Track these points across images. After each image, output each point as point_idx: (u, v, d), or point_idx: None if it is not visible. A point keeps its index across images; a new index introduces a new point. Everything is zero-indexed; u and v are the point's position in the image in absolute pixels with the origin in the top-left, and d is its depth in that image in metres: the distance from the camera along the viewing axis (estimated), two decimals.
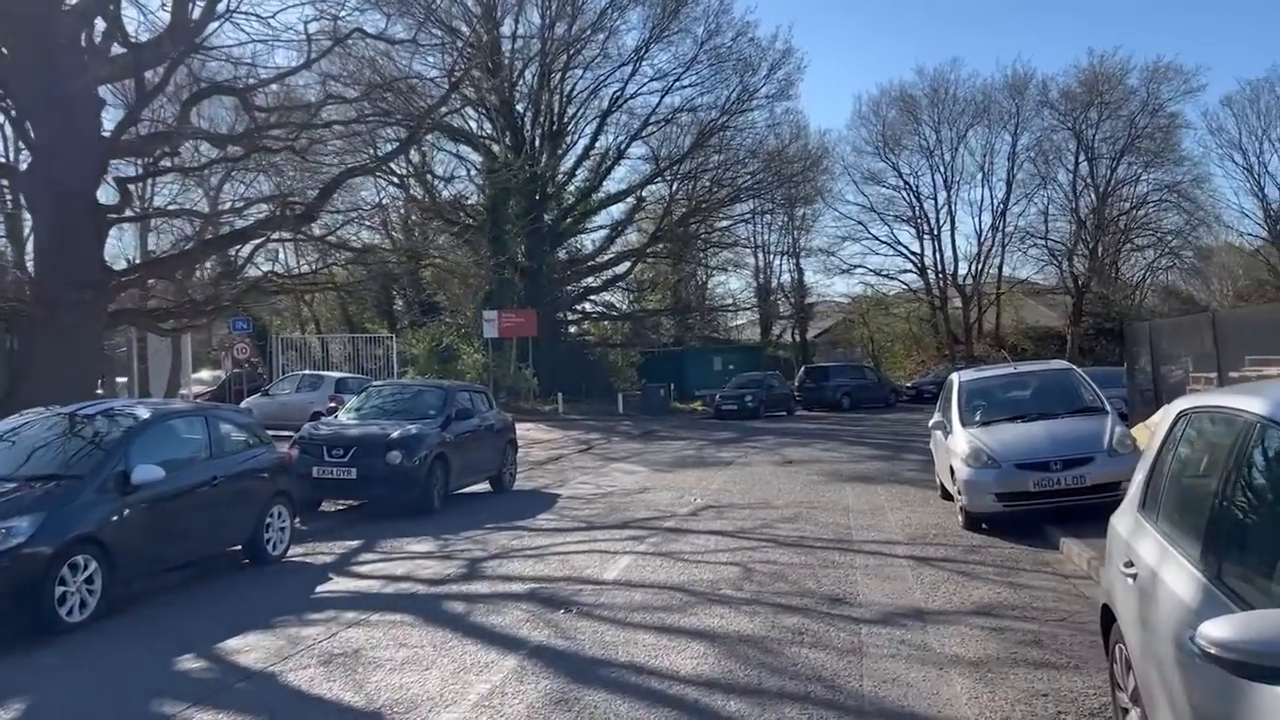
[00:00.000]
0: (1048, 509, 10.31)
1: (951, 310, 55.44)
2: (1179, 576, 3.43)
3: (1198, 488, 3.73)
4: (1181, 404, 4.30)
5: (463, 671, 6.09)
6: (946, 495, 12.70)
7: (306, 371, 29.55)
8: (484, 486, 15.58)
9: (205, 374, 40.53)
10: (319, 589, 8.92)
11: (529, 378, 36.67)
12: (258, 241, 19.62)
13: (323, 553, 10.66)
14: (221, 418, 10.17)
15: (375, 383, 17.15)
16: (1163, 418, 4.43)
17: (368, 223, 43.61)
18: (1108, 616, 4.53)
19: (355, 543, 11.11)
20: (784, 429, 29.75)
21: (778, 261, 56.70)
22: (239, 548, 9.96)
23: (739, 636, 6.74)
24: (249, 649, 6.79)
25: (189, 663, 6.56)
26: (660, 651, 6.40)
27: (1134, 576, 3.98)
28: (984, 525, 10.74)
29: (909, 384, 46.51)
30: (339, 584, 9.11)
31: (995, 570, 8.79)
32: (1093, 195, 54.05)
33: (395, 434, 13.07)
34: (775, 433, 28.01)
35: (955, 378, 12.49)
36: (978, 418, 11.54)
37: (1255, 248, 56.44)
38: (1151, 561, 3.79)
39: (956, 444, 11.16)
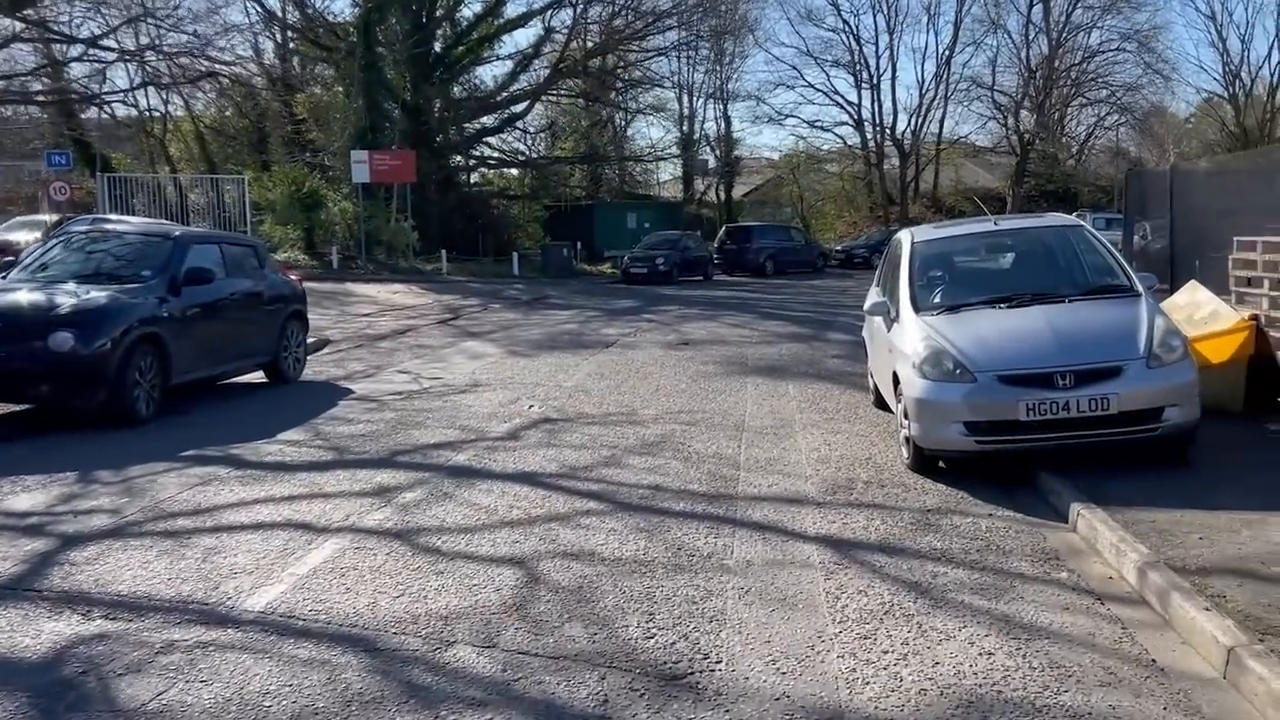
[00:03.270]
0: (1044, 448, 6.47)
1: (887, 169, 51.41)
2: None
3: None
4: None
5: None
6: (882, 402, 8.87)
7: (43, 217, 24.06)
8: (257, 376, 11.34)
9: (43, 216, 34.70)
10: None
11: (408, 232, 31.81)
12: None
13: None
14: None
15: (75, 226, 12.46)
16: None
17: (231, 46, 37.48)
18: None
19: None
20: (695, 297, 25.74)
21: (703, 108, 51.64)
22: None
23: None
24: None
25: None
26: None
27: None
28: (941, 464, 6.92)
29: (839, 248, 42.72)
30: None
31: (970, 578, 4.92)
32: (1044, 44, 49.69)
33: (66, 306, 8.61)
34: (684, 301, 24.00)
35: (906, 237, 8.37)
36: (938, 300, 7.53)
37: (1189, 115, 52.86)
38: None
39: (906, 340, 7.18)
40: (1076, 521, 5.72)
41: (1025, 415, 6.35)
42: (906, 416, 6.98)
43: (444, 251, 31.69)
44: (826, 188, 53.78)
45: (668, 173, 56.37)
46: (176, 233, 10.24)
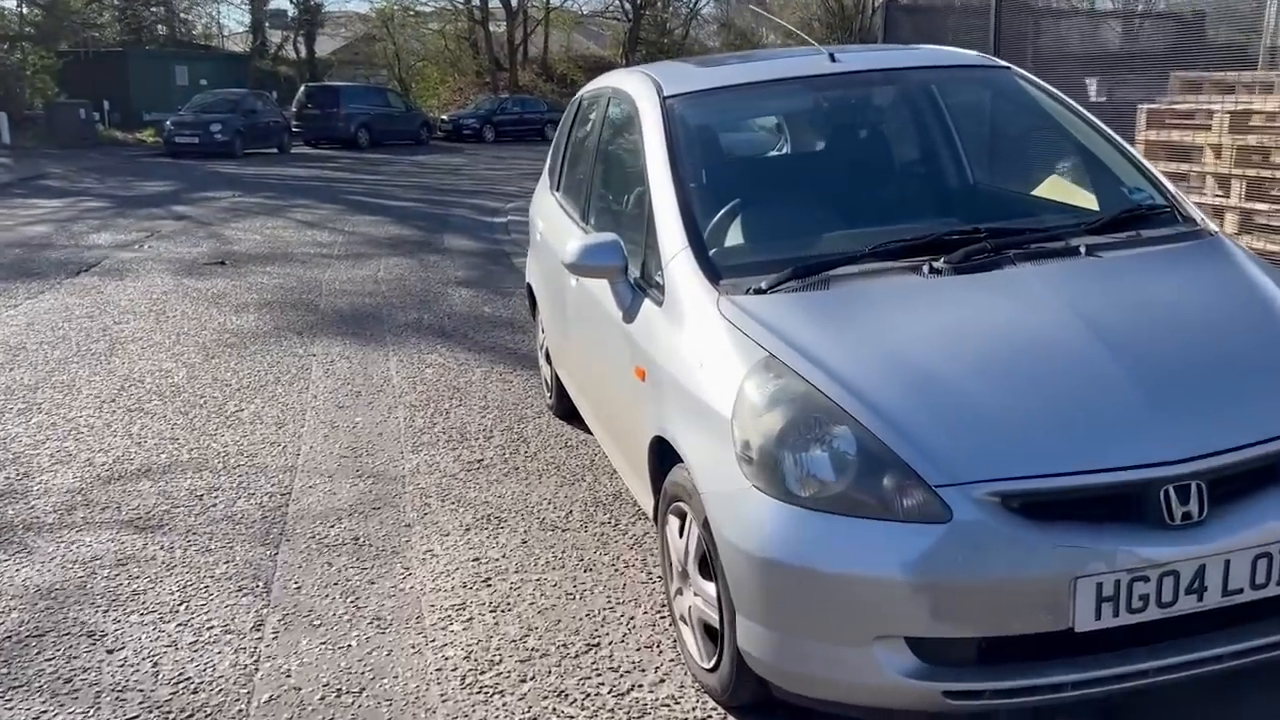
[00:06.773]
0: (1129, 690, 2.28)
1: (495, 30, 46.05)
2: None
3: None
4: None
5: None
6: (567, 407, 4.42)
7: None
8: None
9: None
10: None
11: None
12: None
13: None
14: None
15: None
16: None
17: None
18: None
19: None
20: (261, 177, 19.43)
21: None
22: None
23: None
24: None
25: None
26: None
27: None
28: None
29: (445, 118, 37.06)
30: None
31: None
32: None
33: None
34: (244, 184, 17.74)
35: (645, 92, 3.46)
36: (755, 250, 3.00)
37: None
38: None
39: (699, 360, 2.62)
40: None
41: (1093, 616, 2.10)
42: (712, 576, 2.49)
43: None
44: (428, 48, 47.42)
45: (234, 20, 46.85)
46: None
